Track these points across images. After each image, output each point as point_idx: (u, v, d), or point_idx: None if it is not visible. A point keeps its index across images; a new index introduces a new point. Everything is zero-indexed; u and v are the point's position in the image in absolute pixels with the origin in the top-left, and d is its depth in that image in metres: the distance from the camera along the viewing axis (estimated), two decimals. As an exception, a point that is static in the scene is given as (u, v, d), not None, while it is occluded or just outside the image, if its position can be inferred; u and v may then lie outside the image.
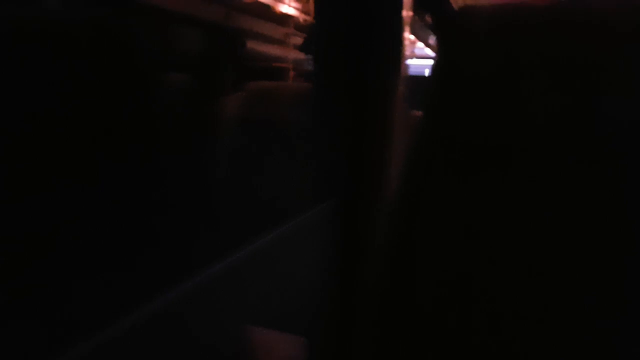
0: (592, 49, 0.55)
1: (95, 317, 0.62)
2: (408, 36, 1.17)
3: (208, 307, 0.80)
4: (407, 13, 1.10)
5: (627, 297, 0.52)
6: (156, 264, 0.83)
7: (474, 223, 0.57)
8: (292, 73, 2.02)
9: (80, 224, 0.75)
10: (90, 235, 0.76)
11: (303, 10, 2.26)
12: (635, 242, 0.52)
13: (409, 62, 1.12)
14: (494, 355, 0.56)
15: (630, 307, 0.53)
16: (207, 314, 0.80)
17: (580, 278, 0.53)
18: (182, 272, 0.76)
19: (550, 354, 0.54)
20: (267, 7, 2.00)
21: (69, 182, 0.74)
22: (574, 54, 0.55)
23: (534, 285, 0.55)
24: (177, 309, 0.73)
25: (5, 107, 0.65)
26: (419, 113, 0.64)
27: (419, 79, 1.06)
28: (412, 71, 1.21)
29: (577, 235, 0.54)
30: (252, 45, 1.76)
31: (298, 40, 2.08)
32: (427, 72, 0.80)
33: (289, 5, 2.18)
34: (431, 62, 0.69)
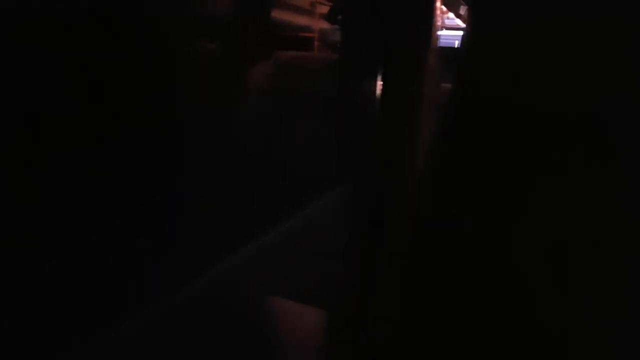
0: None
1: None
2: (439, 6, 1.12)
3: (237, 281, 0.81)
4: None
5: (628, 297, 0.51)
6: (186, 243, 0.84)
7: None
8: (317, 43, 1.98)
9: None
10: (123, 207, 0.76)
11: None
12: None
13: (439, 33, 1.09)
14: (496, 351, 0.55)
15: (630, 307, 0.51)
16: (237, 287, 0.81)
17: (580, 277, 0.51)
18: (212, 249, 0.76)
19: (551, 351, 0.53)
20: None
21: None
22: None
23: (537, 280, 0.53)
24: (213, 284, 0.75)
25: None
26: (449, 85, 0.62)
27: (450, 50, 1.02)
28: (443, 42, 1.17)
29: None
30: (278, 14, 1.73)
31: (324, 9, 2.04)
32: (457, 44, 0.77)
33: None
34: (462, 33, 0.66)
